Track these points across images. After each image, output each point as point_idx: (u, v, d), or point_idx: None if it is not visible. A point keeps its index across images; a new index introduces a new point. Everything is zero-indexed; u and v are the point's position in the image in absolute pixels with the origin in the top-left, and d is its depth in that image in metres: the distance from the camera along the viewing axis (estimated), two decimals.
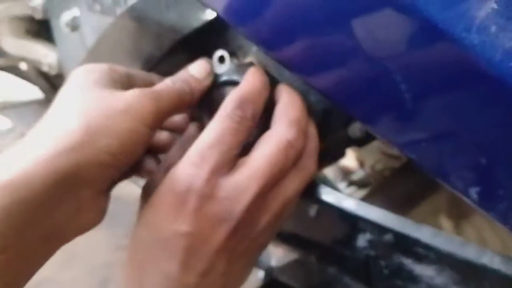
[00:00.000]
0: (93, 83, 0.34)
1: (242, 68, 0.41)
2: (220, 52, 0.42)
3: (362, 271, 0.47)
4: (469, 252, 0.37)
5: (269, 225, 0.35)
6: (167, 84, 0.37)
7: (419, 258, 0.40)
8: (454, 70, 0.27)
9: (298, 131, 0.35)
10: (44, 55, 0.78)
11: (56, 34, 0.73)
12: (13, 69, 0.88)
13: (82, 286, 0.94)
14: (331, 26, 0.33)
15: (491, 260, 0.36)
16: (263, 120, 0.36)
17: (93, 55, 0.51)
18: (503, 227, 0.32)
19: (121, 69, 0.38)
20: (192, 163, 0.33)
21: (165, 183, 0.33)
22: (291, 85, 0.43)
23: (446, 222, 0.57)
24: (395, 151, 0.73)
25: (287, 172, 0.35)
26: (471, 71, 0.26)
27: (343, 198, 0.41)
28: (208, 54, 0.49)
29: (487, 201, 0.31)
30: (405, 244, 0.40)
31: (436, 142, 0.32)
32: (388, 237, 0.41)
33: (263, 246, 0.38)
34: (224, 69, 0.43)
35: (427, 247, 0.38)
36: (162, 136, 0.43)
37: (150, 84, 0.39)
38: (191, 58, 0.49)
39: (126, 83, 0.37)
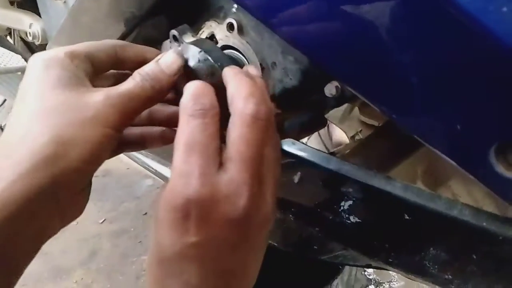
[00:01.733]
0: (56, 83, 0.33)
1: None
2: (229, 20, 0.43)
3: (338, 228, 0.48)
4: (439, 204, 0.38)
5: (272, 197, 0.35)
6: (136, 83, 0.35)
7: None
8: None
9: (256, 103, 0.33)
10: (29, 25, 0.78)
11: (40, 3, 0.73)
12: (1, 39, 0.88)
13: (71, 257, 0.95)
14: None
15: (460, 212, 0.37)
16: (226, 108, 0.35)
17: (74, 17, 0.51)
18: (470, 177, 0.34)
19: (80, 51, 0.36)
20: (179, 175, 0.31)
21: (162, 203, 0.32)
22: (271, 45, 0.44)
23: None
24: (374, 121, 0.75)
25: (265, 141, 0.34)
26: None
27: (319, 153, 0.42)
28: (188, 15, 0.49)
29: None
30: (377, 198, 0.41)
31: (412, 97, 0.33)
32: (361, 192, 0.42)
33: (270, 221, 0.36)
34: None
35: (399, 199, 0.39)
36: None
37: (142, 58, 0.39)
38: (172, 19, 0.50)
39: (89, 67, 0.36)
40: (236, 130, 0.32)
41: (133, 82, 0.35)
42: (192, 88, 0.34)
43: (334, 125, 1.33)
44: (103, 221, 1.22)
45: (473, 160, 0.32)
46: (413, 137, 0.58)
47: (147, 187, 1.35)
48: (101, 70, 0.38)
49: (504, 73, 0.27)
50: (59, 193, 0.32)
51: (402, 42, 0.31)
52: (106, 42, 0.38)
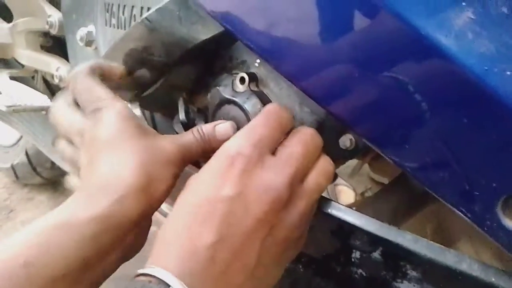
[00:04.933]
0: (135, 131, 0.40)
1: (254, 96, 0.47)
2: (242, 74, 0.47)
3: (348, 281, 0.48)
4: (448, 258, 0.38)
5: (302, 216, 0.37)
6: (195, 139, 0.43)
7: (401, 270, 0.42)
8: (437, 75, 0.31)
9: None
10: (57, 68, 0.82)
11: (70, 48, 0.77)
12: (24, 80, 0.92)
13: None
14: (330, 42, 0.37)
15: (470, 266, 0.38)
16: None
17: (106, 60, 0.55)
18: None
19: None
20: (242, 135, 0.37)
21: (217, 152, 0.37)
22: (289, 96, 0.46)
23: None
24: (383, 178, 0.76)
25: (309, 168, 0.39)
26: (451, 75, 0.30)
27: (331, 203, 0.43)
28: (213, 66, 0.53)
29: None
30: (388, 252, 0.41)
31: (425, 152, 0.35)
32: (372, 245, 0.42)
33: (294, 248, 0.40)
34: (241, 89, 0.48)
35: (408, 252, 0.40)
36: None
37: None
38: (198, 68, 0.53)
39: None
40: (295, 139, 0.39)
41: (192, 137, 0.43)
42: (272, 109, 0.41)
43: (340, 187, 1.35)
44: None
45: (481, 212, 0.33)
46: (421, 194, 0.59)
47: (150, 234, 1.34)
48: None
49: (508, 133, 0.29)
50: (142, 221, 0.38)
51: (420, 103, 0.33)
52: None
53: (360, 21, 0.33)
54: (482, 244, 0.63)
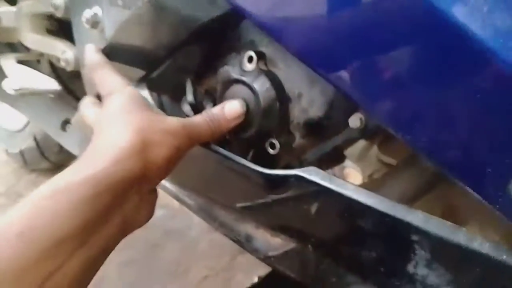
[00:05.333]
0: (143, 105, 0.43)
1: (263, 76, 0.47)
2: (250, 53, 0.48)
3: (357, 263, 0.48)
4: (460, 237, 0.38)
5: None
6: (204, 120, 0.46)
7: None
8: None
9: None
10: (62, 51, 0.81)
11: (76, 31, 0.76)
12: (30, 63, 0.92)
13: None
14: (339, 18, 0.36)
15: (481, 245, 0.38)
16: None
17: (113, 43, 0.54)
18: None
19: None
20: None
21: None
22: (298, 76, 0.46)
23: None
24: (392, 160, 0.75)
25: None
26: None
27: (342, 183, 0.43)
28: (221, 46, 0.52)
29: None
30: (399, 231, 0.41)
31: (437, 129, 0.34)
32: (382, 223, 0.42)
33: None
34: (250, 68, 0.48)
35: (419, 231, 0.39)
36: None
37: None
38: (205, 49, 0.53)
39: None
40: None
41: (201, 118, 0.46)
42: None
43: (347, 170, 1.34)
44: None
45: (493, 190, 0.33)
46: (429, 176, 0.59)
47: (157, 218, 1.35)
48: None
49: None
50: (143, 183, 0.40)
51: (433, 80, 0.32)
52: None
53: None
54: (491, 228, 0.63)
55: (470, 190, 0.34)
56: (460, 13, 0.28)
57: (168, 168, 0.42)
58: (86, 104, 0.49)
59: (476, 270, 0.39)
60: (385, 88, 0.35)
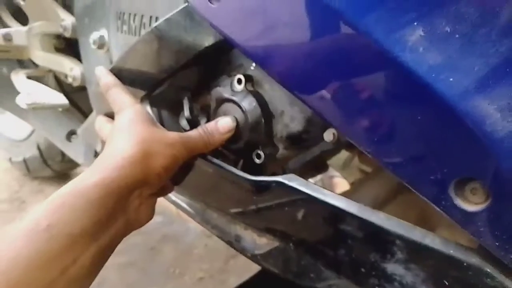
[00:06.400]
0: (146, 120, 0.50)
1: (250, 96, 0.54)
2: (239, 76, 0.55)
3: (334, 259, 0.54)
4: (415, 234, 0.45)
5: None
6: (199, 134, 0.53)
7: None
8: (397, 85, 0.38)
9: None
10: (70, 68, 0.88)
11: (83, 51, 0.83)
12: (39, 79, 0.99)
13: None
14: (309, 53, 0.43)
15: (432, 241, 0.44)
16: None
17: (120, 65, 0.61)
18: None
19: None
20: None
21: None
22: (281, 96, 0.53)
23: None
24: (370, 169, 0.83)
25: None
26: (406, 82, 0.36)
27: (317, 188, 0.50)
28: (215, 68, 0.59)
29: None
30: (365, 229, 0.48)
31: (388, 139, 0.41)
32: (350, 224, 0.49)
33: None
34: (239, 89, 0.55)
35: (382, 230, 0.46)
36: None
37: None
38: (201, 71, 0.60)
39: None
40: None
41: (197, 132, 0.53)
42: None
43: (336, 179, 1.41)
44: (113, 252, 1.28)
45: (437, 194, 0.39)
46: (397, 181, 0.65)
47: (156, 223, 1.41)
48: None
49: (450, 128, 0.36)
50: (143, 188, 0.46)
51: (382, 104, 0.39)
52: None
53: (335, 35, 0.40)
54: (460, 231, 0.69)
55: (421, 195, 0.41)
56: (403, 54, 0.36)
57: (166, 175, 0.49)
58: (101, 121, 0.57)
59: (431, 264, 0.45)
60: (348, 112, 0.42)
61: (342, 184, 1.33)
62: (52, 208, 0.40)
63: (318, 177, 1.28)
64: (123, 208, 0.45)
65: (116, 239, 0.45)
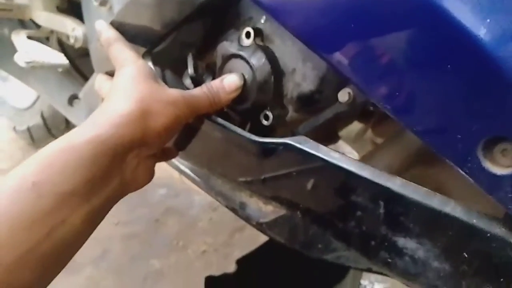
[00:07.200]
0: (148, 76, 0.47)
1: (259, 51, 0.50)
2: (247, 29, 0.50)
3: (343, 230, 0.51)
4: (434, 201, 0.41)
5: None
6: (203, 92, 0.49)
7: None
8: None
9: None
10: (72, 29, 0.85)
11: (85, 8, 0.79)
12: (41, 40, 0.96)
13: (84, 254, 1.00)
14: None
15: (453, 209, 0.40)
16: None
17: (120, 18, 0.57)
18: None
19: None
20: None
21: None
22: (292, 52, 0.49)
23: None
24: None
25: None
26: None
27: (329, 151, 0.46)
28: (222, 22, 0.55)
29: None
30: (379, 197, 0.45)
31: (412, 97, 0.37)
32: (365, 190, 0.45)
33: None
34: (247, 44, 0.51)
35: (398, 196, 0.43)
36: None
37: None
38: (207, 25, 0.56)
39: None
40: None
41: (201, 91, 0.49)
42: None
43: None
44: (117, 223, 1.27)
45: (463, 156, 0.36)
46: (412, 151, 0.62)
47: (160, 195, 1.39)
48: None
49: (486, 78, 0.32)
50: (141, 147, 0.43)
51: (410, 57, 0.36)
52: None
53: None
54: (478, 205, 0.66)
55: (444, 157, 0.37)
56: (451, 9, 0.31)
57: (167, 135, 0.46)
58: (100, 79, 0.54)
59: (450, 234, 0.42)
60: (371, 65, 0.39)
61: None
62: (40, 164, 0.37)
63: None
64: (119, 168, 0.42)
65: (111, 200, 0.42)
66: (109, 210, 0.43)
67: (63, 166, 0.37)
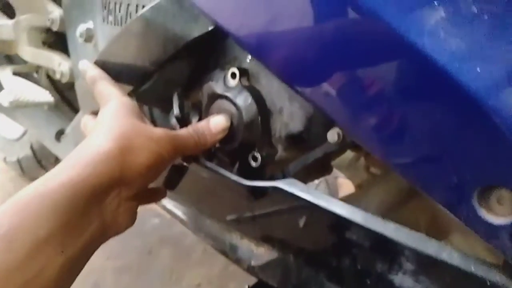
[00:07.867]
0: (131, 113, 0.45)
1: (245, 91, 0.49)
2: (233, 69, 0.49)
3: (337, 271, 0.50)
4: (429, 247, 0.40)
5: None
6: (189, 133, 0.48)
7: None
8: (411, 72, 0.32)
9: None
10: (58, 64, 0.84)
11: (71, 44, 0.79)
12: (27, 75, 0.95)
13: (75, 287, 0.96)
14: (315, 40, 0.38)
15: (450, 256, 0.39)
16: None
17: (104, 58, 0.56)
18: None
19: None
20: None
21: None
22: (279, 92, 0.48)
23: None
24: (379, 170, 0.77)
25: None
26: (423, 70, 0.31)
27: (319, 195, 0.45)
28: (207, 61, 0.54)
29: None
30: (372, 240, 0.43)
31: (403, 143, 0.36)
32: (356, 234, 0.44)
33: None
34: (233, 84, 0.50)
35: (391, 242, 0.41)
36: None
37: None
38: (192, 63, 0.55)
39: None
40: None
41: (187, 132, 0.48)
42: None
43: (341, 180, 1.36)
44: (109, 256, 1.24)
45: (458, 204, 0.34)
46: (408, 187, 0.60)
47: (153, 225, 1.37)
48: None
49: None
50: (122, 187, 0.41)
51: (397, 100, 0.34)
52: None
53: (341, 21, 0.34)
54: (475, 237, 0.64)
55: (439, 204, 0.36)
56: (421, 40, 0.30)
57: (148, 173, 0.43)
58: (86, 118, 0.52)
59: (447, 281, 0.40)
60: (355, 106, 0.37)
61: (347, 185, 1.28)
62: (11, 212, 0.34)
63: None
64: (98, 209, 0.39)
65: (90, 246, 0.39)
66: (89, 258, 0.40)
67: (36, 213, 0.34)
